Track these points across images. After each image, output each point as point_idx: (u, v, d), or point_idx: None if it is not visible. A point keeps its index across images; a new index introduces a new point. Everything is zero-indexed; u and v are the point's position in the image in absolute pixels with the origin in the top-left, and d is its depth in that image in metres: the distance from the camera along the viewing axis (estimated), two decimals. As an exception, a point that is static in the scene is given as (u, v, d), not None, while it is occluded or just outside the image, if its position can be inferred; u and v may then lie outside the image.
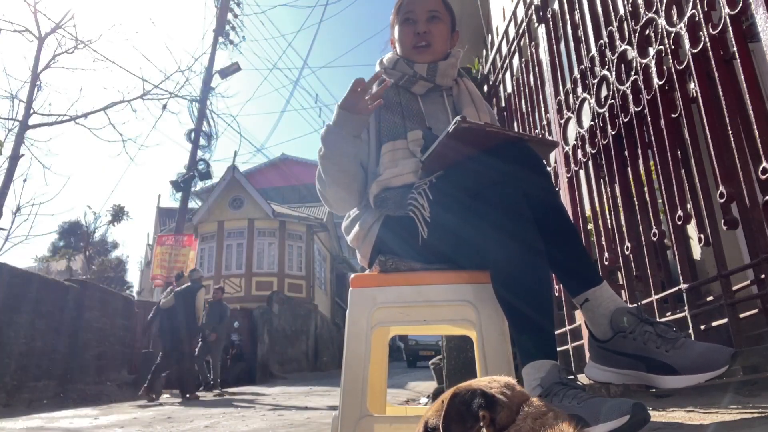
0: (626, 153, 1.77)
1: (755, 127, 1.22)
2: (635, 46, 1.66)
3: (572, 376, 1.14)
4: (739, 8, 1.24)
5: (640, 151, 1.71)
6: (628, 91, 1.70)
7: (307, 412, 4.21)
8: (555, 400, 1.05)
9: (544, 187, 1.31)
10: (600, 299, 1.25)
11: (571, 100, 2.15)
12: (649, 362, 1.16)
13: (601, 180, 1.97)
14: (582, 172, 2.11)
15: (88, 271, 19.16)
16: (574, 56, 2.13)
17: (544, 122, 2.45)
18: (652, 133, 1.60)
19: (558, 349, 1.84)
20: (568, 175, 2.18)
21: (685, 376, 1.11)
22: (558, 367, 1.13)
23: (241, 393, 7.89)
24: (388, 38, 1.74)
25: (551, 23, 2.34)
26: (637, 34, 1.66)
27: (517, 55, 2.81)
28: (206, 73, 11.38)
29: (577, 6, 2.08)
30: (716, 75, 1.32)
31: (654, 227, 1.62)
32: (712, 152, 1.36)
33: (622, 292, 1.84)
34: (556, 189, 2.31)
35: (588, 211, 2.10)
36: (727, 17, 1.27)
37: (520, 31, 2.73)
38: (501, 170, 1.27)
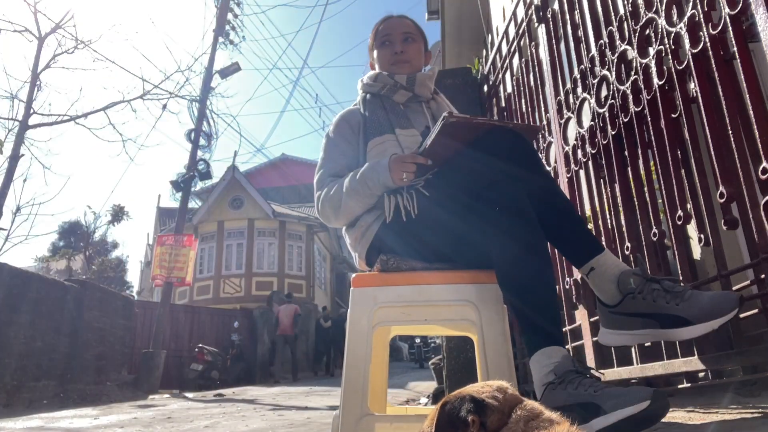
0: (626, 153, 1.77)
1: (755, 127, 1.22)
2: (635, 46, 1.67)
3: (587, 368, 1.15)
4: (739, 8, 1.24)
5: (640, 151, 1.71)
6: (628, 91, 1.70)
7: (307, 412, 4.21)
8: (570, 388, 1.05)
9: (540, 172, 1.36)
10: (605, 266, 1.28)
11: (571, 100, 2.15)
12: (662, 318, 1.18)
13: (601, 180, 1.97)
14: (582, 172, 2.11)
15: (88, 271, 19.16)
16: (574, 56, 2.13)
17: (544, 122, 2.45)
18: (652, 133, 1.60)
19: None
20: (568, 175, 2.18)
21: (699, 325, 1.14)
22: (570, 357, 1.14)
23: (241, 393, 7.88)
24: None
25: (551, 23, 2.34)
26: (637, 34, 1.66)
27: (517, 55, 2.82)
28: (206, 73, 11.34)
29: (577, 6, 2.08)
30: (716, 75, 1.32)
31: (654, 227, 1.62)
32: (712, 152, 1.36)
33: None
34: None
35: (588, 211, 2.10)
36: (727, 17, 1.27)
37: (520, 31, 2.73)
38: (498, 168, 1.29)
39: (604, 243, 1.93)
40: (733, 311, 1.13)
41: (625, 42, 1.73)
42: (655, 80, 1.57)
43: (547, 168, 1.45)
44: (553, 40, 2.32)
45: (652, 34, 1.59)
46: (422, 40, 1.77)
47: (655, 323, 1.20)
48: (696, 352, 1.41)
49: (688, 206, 1.47)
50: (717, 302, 1.14)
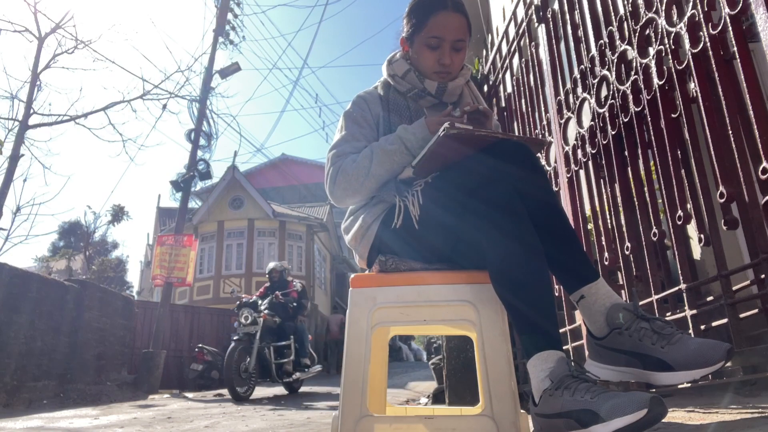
0: (626, 153, 1.77)
1: (755, 127, 1.22)
2: (635, 46, 1.67)
3: (582, 370, 1.13)
4: (739, 8, 1.24)
5: (640, 151, 1.71)
6: (628, 91, 1.70)
7: (307, 412, 4.21)
8: (566, 394, 1.04)
9: (540, 185, 1.32)
10: (595, 296, 1.25)
11: (571, 100, 2.15)
12: (645, 359, 1.15)
13: (601, 180, 1.97)
14: (582, 172, 2.11)
15: (88, 271, 19.15)
16: (574, 56, 2.13)
17: (544, 122, 2.45)
18: (652, 133, 1.60)
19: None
20: (568, 175, 2.18)
21: (680, 372, 1.10)
22: (566, 360, 1.12)
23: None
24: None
25: (551, 23, 2.34)
26: (637, 34, 1.66)
27: (517, 55, 2.82)
28: (206, 73, 11.33)
29: (577, 6, 2.08)
30: (716, 75, 1.32)
31: (654, 227, 1.62)
32: (712, 152, 1.36)
33: (622, 292, 1.84)
34: (555, 188, 2.31)
35: (588, 211, 2.10)
36: (727, 17, 1.27)
37: (520, 31, 2.73)
38: (495, 168, 1.28)
39: (604, 243, 1.93)
40: (719, 363, 1.08)
41: (625, 42, 1.73)
42: (655, 80, 1.56)
43: (552, 186, 1.39)
44: (553, 40, 2.32)
45: (652, 34, 1.59)
46: (468, 41, 1.62)
47: (638, 363, 1.17)
48: (696, 353, 1.40)
49: (688, 206, 1.47)
50: (704, 351, 1.09)
